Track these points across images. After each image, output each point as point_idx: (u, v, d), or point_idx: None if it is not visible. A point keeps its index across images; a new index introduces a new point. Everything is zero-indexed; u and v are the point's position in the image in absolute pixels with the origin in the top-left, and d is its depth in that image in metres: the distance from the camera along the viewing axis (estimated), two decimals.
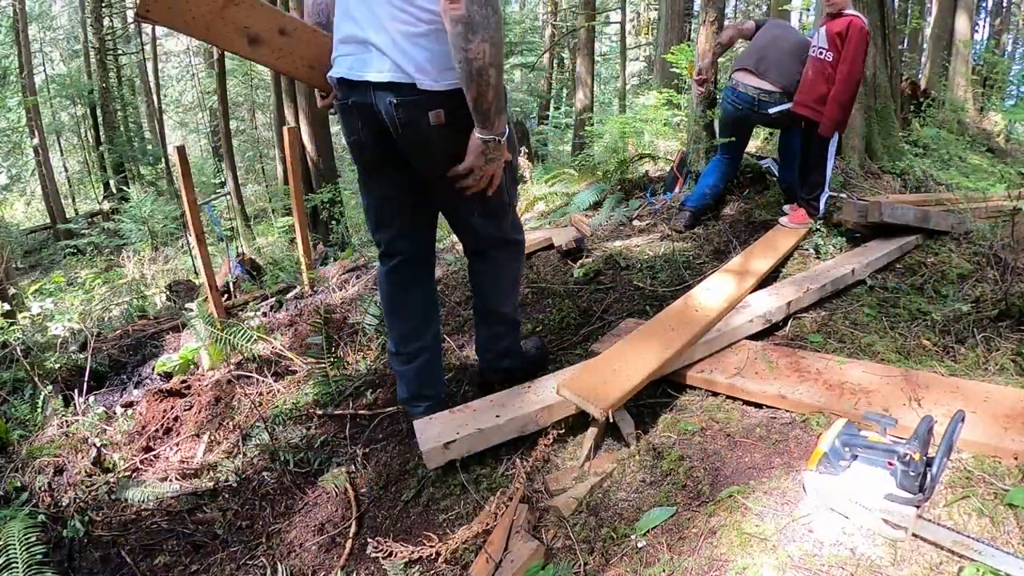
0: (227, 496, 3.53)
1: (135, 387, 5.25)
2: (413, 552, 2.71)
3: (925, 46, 19.24)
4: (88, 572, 3.17)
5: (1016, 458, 2.44)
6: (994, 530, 2.18)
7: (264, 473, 3.62)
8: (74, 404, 4.48)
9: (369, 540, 2.86)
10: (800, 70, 5.12)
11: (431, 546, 2.70)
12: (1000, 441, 2.50)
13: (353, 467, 3.47)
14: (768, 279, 4.48)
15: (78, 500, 3.47)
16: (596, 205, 7.33)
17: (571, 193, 8.08)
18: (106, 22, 23.98)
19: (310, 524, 3.21)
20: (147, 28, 22.84)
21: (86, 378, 4.79)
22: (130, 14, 26.04)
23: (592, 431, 3.09)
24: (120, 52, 25.22)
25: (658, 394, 3.38)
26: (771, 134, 9.24)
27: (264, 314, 6.03)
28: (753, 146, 9.15)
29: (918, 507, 2.13)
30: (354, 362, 4.59)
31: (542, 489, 2.91)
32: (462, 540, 2.69)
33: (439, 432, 3.12)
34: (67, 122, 27.91)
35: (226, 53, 18.28)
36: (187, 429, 4.22)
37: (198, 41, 28.77)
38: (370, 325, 4.84)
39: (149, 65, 23.35)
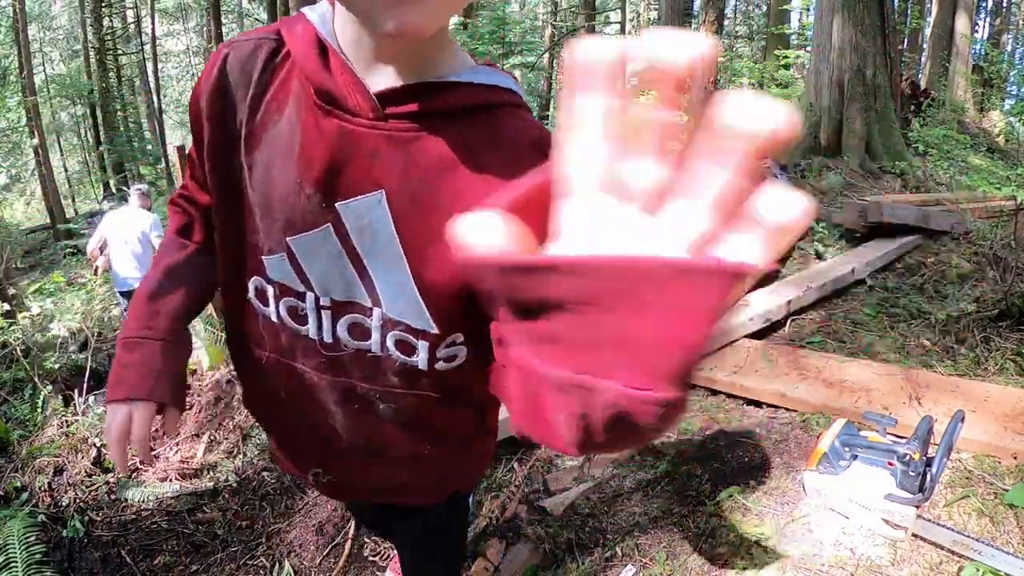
0: (227, 496, 3.52)
1: None
2: None
3: (925, 46, 19.25)
4: (88, 572, 3.16)
5: (1015, 457, 2.44)
6: (994, 530, 2.18)
7: (264, 473, 3.62)
8: (74, 404, 4.47)
9: (367, 540, 2.86)
10: None
11: None
12: (1000, 440, 2.50)
13: None
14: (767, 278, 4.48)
15: (78, 500, 3.47)
16: None
17: None
18: (106, 22, 23.93)
19: (310, 524, 3.21)
20: (147, 27, 22.83)
21: (86, 378, 4.78)
22: (130, 14, 26.05)
23: None
24: (120, 52, 25.18)
25: None
26: None
27: None
28: None
29: (918, 507, 2.13)
30: None
31: (541, 490, 2.91)
32: None
33: None
34: (67, 122, 27.86)
35: None
36: (187, 429, 4.21)
37: (197, 41, 28.79)
38: None
39: (149, 65, 23.33)
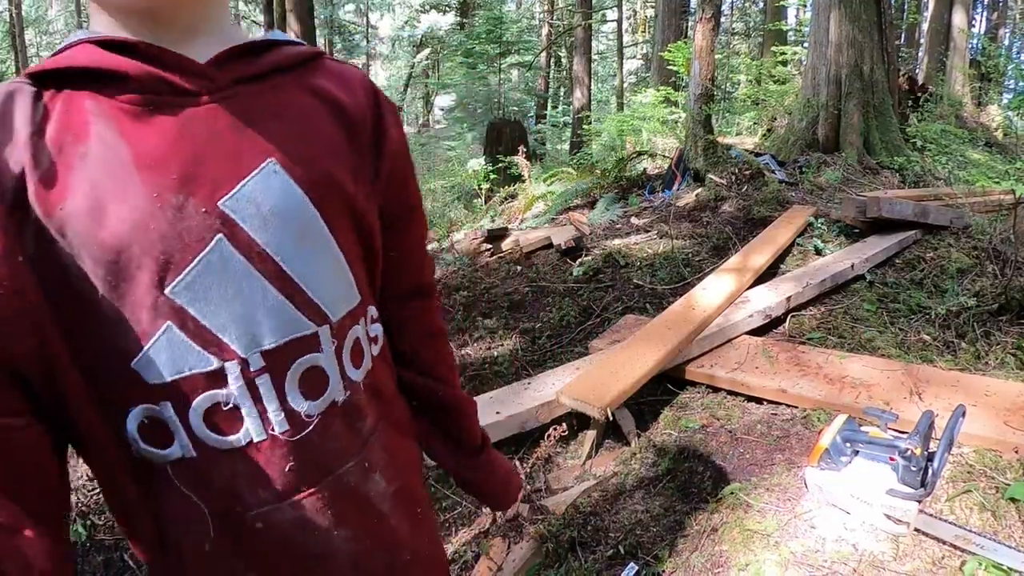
0: None
1: None
2: None
3: (922, 41, 19.24)
4: None
5: (1017, 452, 2.44)
6: (996, 524, 2.18)
7: None
8: None
9: None
10: None
11: None
12: (1001, 435, 2.50)
13: None
14: (767, 274, 4.48)
15: (80, 504, 3.46)
16: (593, 203, 7.36)
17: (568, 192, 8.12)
18: None
19: None
20: None
21: None
22: None
23: (592, 431, 3.09)
24: None
25: (659, 392, 3.38)
26: (769, 130, 9.24)
27: None
28: (751, 142, 9.16)
29: (920, 502, 2.13)
30: None
31: (543, 489, 2.91)
32: (461, 543, 2.69)
33: None
34: None
35: None
36: None
37: None
38: None
39: None
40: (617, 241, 5.62)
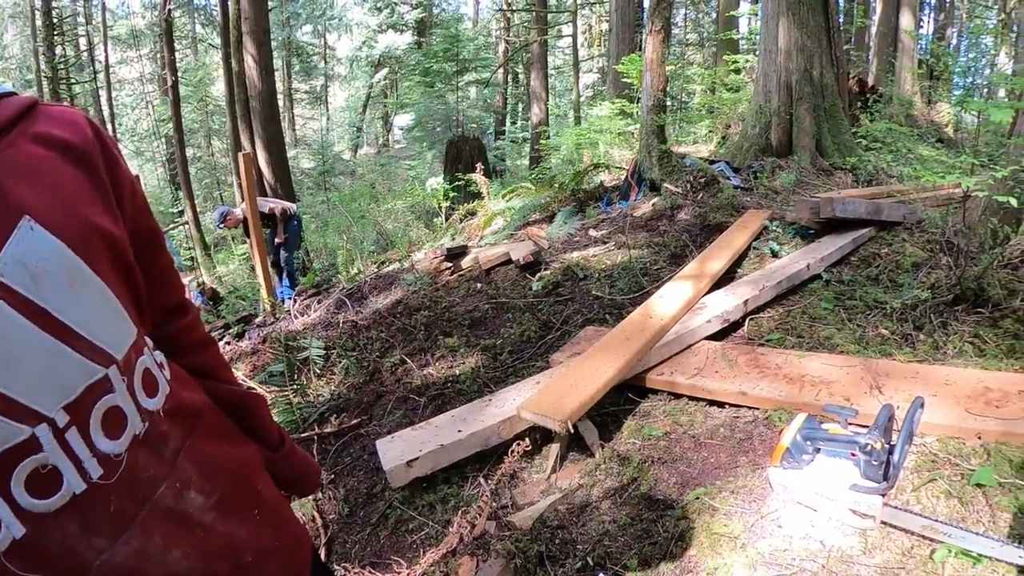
0: None
1: None
2: None
3: (871, 44, 19.60)
4: None
5: (980, 437, 2.45)
6: (964, 510, 2.18)
7: None
8: None
9: (337, 567, 2.79)
10: None
11: (398, 571, 2.64)
12: (963, 422, 2.51)
13: (320, 493, 3.39)
14: (724, 279, 4.49)
15: None
16: (551, 218, 7.36)
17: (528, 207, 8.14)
18: (58, 50, 23.56)
19: None
20: (100, 55, 22.60)
21: None
22: (82, 42, 25.73)
23: (555, 444, 3.06)
24: (73, 81, 24.82)
25: (621, 401, 3.36)
26: (724, 138, 9.35)
27: (227, 343, 5.93)
28: (706, 150, 9.25)
29: (883, 495, 2.13)
30: (316, 388, 4.52)
31: (509, 504, 2.87)
32: (429, 564, 2.64)
33: (402, 450, 3.06)
34: None
35: (180, 80, 18.10)
36: None
37: (151, 68, 28.43)
38: (318, 356, 4.78)
39: (103, 93, 23.02)
40: (576, 254, 5.62)
